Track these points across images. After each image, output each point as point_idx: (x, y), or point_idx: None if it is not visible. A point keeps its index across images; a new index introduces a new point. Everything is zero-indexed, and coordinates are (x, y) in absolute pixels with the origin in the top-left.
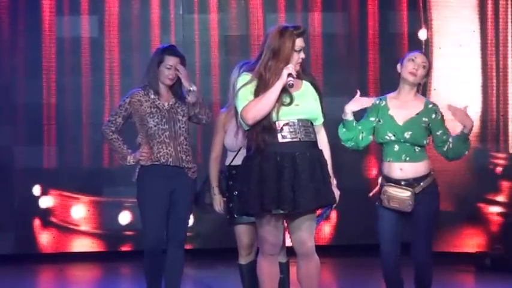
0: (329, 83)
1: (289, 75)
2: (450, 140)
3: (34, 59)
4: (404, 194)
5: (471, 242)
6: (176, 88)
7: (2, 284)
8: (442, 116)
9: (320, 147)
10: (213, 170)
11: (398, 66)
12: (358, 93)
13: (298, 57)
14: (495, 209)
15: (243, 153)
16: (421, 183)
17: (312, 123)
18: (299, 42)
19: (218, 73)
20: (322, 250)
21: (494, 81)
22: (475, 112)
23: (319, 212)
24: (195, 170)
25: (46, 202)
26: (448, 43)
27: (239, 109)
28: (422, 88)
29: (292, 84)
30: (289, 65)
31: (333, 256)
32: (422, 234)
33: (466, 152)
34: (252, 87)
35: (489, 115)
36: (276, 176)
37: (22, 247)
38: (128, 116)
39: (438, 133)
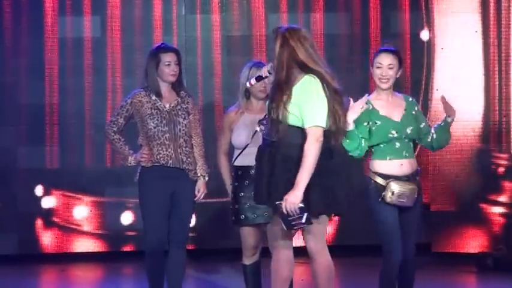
0: None
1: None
2: (432, 130)
3: (36, 59)
4: (411, 187)
5: (473, 242)
6: (179, 86)
7: (5, 284)
8: (419, 109)
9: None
10: (224, 170)
11: (371, 68)
12: (351, 100)
13: None
14: (497, 210)
15: (247, 152)
16: (417, 178)
17: (280, 122)
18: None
19: (220, 73)
20: None
21: (497, 81)
22: (477, 112)
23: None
24: (195, 171)
25: (48, 202)
26: (450, 43)
27: None
28: (425, 89)
29: (250, 84)
30: (265, 65)
31: (335, 256)
32: (414, 230)
33: (449, 142)
34: None
35: (491, 116)
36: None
37: (24, 247)
38: (129, 117)
39: (422, 125)
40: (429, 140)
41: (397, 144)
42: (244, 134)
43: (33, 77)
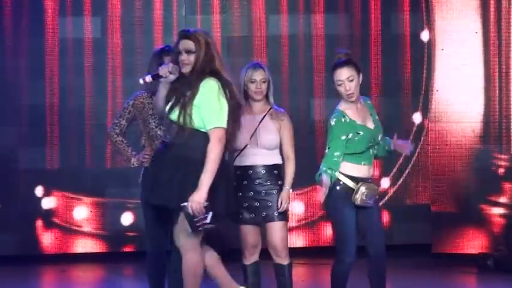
0: (331, 85)
1: (155, 75)
2: (381, 143)
3: (37, 59)
4: (375, 188)
5: (473, 243)
6: None
7: (5, 285)
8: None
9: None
10: None
11: (334, 85)
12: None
13: (181, 58)
14: (497, 211)
15: (246, 153)
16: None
17: (183, 126)
18: (180, 45)
19: None
20: (324, 251)
21: (497, 82)
22: (477, 113)
23: None
24: None
25: (49, 203)
26: (451, 44)
27: None
28: (425, 89)
29: (144, 81)
30: (164, 65)
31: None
32: (381, 225)
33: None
34: None
35: (491, 116)
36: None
37: (25, 248)
38: (131, 118)
39: None
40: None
41: (371, 151)
42: (243, 135)
43: (33, 77)
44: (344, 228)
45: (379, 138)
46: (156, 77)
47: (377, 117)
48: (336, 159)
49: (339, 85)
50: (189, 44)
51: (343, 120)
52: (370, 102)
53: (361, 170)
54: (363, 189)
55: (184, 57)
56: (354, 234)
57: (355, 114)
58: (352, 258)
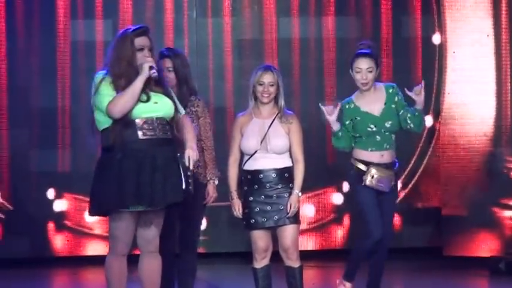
0: (342, 87)
1: (151, 67)
2: (409, 121)
3: (49, 62)
4: (389, 173)
5: (485, 246)
6: (188, 89)
7: (17, 287)
8: (401, 96)
9: (187, 137)
10: (231, 174)
11: (351, 72)
12: (322, 107)
13: (141, 55)
14: (509, 214)
15: (256, 157)
16: (394, 168)
17: (167, 121)
18: (139, 41)
19: (231, 77)
20: (335, 254)
21: (509, 85)
22: (488, 116)
23: None
24: (205, 175)
25: (60, 206)
26: (462, 47)
27: (104, 104)
28: (436, 92)
29: (157, 75)
30: (148, 59)
31: (345, 260)
32: (391, 212)
33: (424, 122)
34: (110, 83)
35: (503, 119)
36: (135, 173)
37: (36, 250)
38: None
39: (401, 113)
40: (408, 127)
41: (378, 138)
42: (253, 140)
43: (45, 80)
44: (364, 207)
45: (388, 125)
46: (152, 68)
47: (393, 106)
48: (348, 137)
49: (357, 72)
50: (148, 41)
51: (347, 106)
52: (394, 90)
53: (370, 155)
54: (372, 171)
55: (147, 53)
56: (375, 212)
57: (363, 101)
58: (378, 235)
